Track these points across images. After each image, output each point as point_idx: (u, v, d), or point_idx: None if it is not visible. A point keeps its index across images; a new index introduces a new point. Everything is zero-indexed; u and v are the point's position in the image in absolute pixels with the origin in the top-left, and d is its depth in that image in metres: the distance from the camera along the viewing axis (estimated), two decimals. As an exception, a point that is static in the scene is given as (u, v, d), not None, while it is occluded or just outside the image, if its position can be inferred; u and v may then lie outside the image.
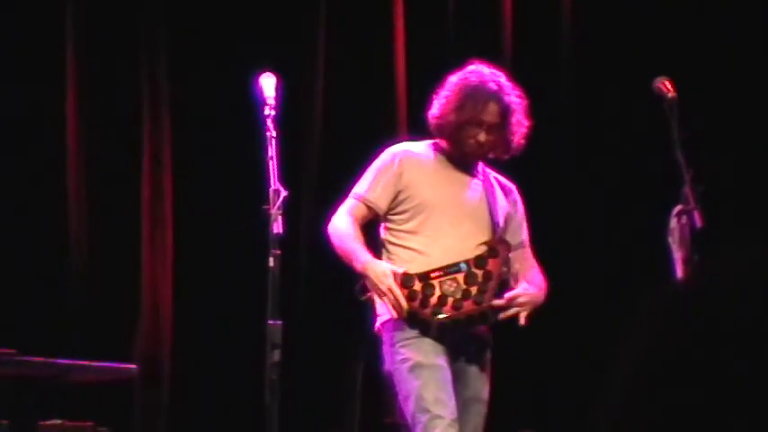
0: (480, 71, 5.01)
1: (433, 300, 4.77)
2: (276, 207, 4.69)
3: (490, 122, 4.90)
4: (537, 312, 4.91)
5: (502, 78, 5.00)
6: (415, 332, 4.79)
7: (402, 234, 4.93)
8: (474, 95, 4.90)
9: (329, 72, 6.66)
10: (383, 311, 4.84)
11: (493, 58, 5.17)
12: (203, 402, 6.32)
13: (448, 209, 4.91)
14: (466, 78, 4.98)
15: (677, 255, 4.69)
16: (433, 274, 4.78)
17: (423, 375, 4.74)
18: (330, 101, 6.63)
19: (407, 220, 4.93)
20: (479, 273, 4.80)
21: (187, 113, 6.52)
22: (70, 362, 4.87)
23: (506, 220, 5.04)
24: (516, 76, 5.18)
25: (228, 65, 6.27)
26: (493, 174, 5.10)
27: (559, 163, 6.77)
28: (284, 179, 4.72)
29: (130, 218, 6.42)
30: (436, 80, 5.07)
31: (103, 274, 6.37)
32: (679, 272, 4.67)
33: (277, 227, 4.68)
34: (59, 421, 4.95)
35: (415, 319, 4.78)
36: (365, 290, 4.83)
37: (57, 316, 6.21)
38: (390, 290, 4.73)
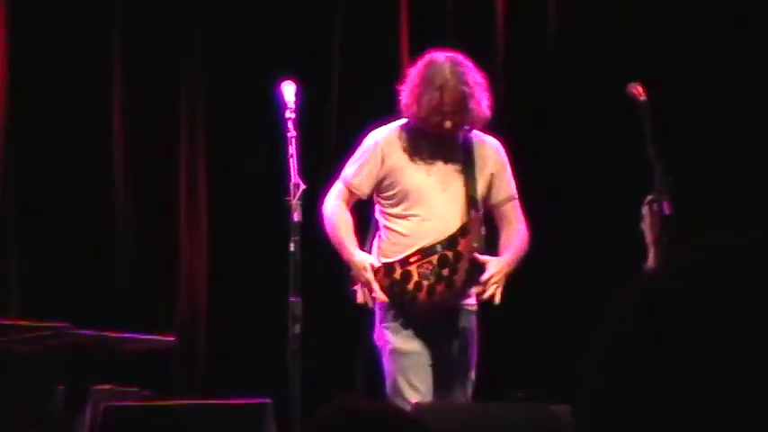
0: (433, 61, 4.82)
1: (410, 286, 4.78)
2: (296, 198, 4.83)
3: (451, 111, 4.76)
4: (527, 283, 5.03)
5: (457, 65, 4.80)
6: (398, 317, 4.85)
7: (391, 217, 4.93)
8: (429, 90, 4.74)
9: (343, 80, 6.69)
10: None
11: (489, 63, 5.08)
12: (233, 368, 6.39)
13: (431, 192, 4.85)
14: (420, 72, 4.82)
15: (648, 239, 4.85)
16: (411, 259, 4.80)
17: (399, 361, 4.79)
18: (344, 105, 6.66)
19: (395, 205, 4.91)
20: (450, 254, 4.77)
21: (219, 117, 6.62)
22: (117, 334, 5.04)
23: (490, 183, 4.93)
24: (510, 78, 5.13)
25: (256, 73, 6.26)
26: (475, 137, 4.96)
27: (547, 158, 6.66)
28: (303, 174, 4.85)
29: (170, 207, 6.56)
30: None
31: (146, 258, 6.52)
32: (651, 254, 4.84)
33: (297, 216, 4.83)
34: (109, 386, 5.09)
35: (398, 306, 4.84)
36: (355, 293, 4.94)
37: (106, 294, 6.37)
38: (368, 282, 4.79)
